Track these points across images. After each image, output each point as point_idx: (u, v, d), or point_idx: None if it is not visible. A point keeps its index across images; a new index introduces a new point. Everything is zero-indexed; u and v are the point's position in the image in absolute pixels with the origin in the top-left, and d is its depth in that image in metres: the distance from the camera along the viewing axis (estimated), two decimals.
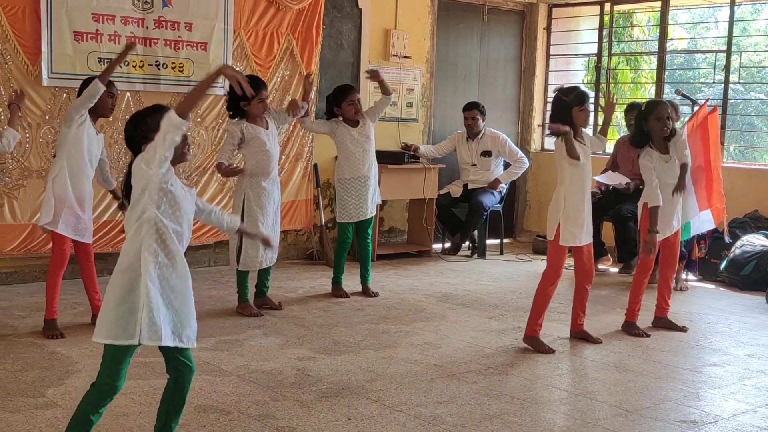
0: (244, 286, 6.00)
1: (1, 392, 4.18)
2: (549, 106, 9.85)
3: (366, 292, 6.76)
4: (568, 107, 5.22)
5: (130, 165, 3.25)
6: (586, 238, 5.37)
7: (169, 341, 3.13)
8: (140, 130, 3.20)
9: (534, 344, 5.32)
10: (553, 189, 5.42)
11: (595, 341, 5.52)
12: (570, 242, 5.28)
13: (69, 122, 5.17)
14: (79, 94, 5.28)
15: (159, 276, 3.13)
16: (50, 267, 5.34)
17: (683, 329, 5.87)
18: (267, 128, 5.90)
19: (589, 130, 5.69)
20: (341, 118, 6.48)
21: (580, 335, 5.57)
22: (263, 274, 6.15)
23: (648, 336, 5.67)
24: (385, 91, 6.50)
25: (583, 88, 5.33)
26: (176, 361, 3.28)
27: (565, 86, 5.60)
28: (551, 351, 5.29)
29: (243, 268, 5.92)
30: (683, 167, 5.63)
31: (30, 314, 5.73)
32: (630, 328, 5.77)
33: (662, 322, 5.94)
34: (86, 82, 5.24)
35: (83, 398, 3.16)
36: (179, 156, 3.24)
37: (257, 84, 5.68)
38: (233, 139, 5.77)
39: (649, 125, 5.57)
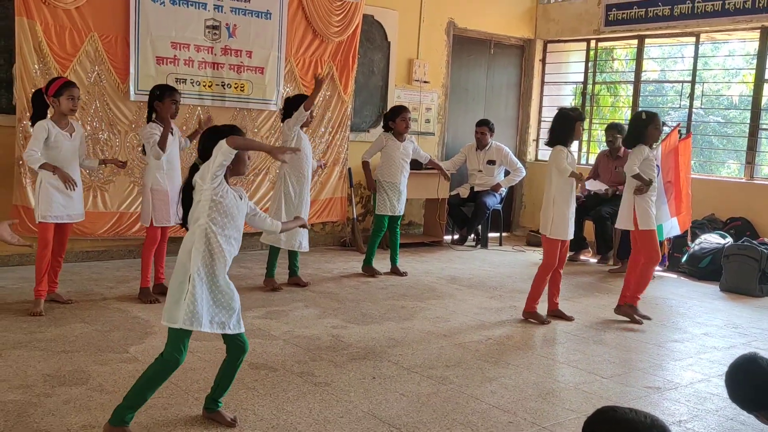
0: (271, 265, 6.00)
1: (93, 348, 4.24)
2: (543, 124, 9.85)
3: (397, 272, 6.81)
4: (572, 121, 5.22)
5: (189, 176, 3.19)
6: (571, 233, 5.36)
7: (207, 328, 3.09)
8: (211, 144, 3.11)
9: (534, 317, 5.34)
10: (544, 193, 5.39)
11: (569, 318, 5.45)
12: (563, 237, 5.31)
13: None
14: (149, 102, 5.27)
15: (206, 273, 3.08)
16: (144, 246, 5.36)
17: (641, 321, 5.54)
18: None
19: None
20: (392, 132, 6.60)
21: (555, 313, 5.49)
22: (292, 257, 6.15)
23: (650, 319, 5.51)
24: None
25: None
26: (230, 341, 3.27)
27: (566, 106, 5.56)
28: (548, 322, 5.31)
29: (265, 241, 5.95)
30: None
31: (117, 285, 5.79)
32: (632, 310, 5.52)
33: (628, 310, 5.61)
34: (153, 91, 5.29)
35: (150, 366, 3.12)
36: (236, 170, 3.17)
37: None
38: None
39: (648, 132, 5.40)
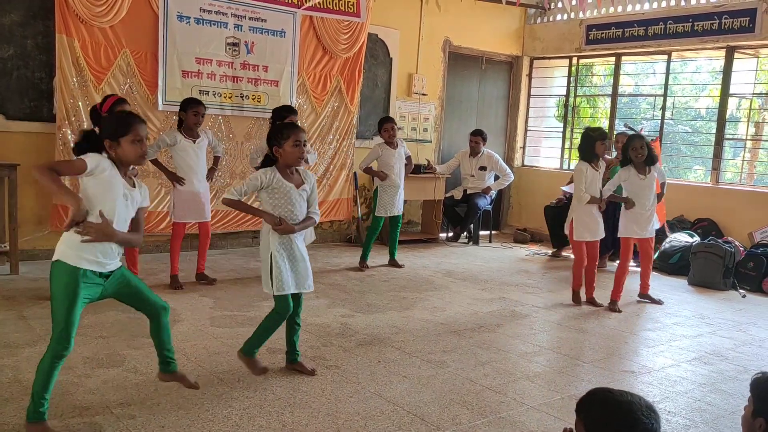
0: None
1: (127, 334, 4.27)
2: (529, 133, 9.88)
3: (395, 264, 6.88)
4: (593, 140, 5.36)
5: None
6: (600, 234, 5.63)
7: (293, 290, 3.53)
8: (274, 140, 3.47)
9: (575, 298, 5.71)
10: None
11: (600, 305, 5.62)
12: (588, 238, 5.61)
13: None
14: (181, 109, 5.52)
15: (283, 247, 3.49)
16: (172, 239, 5.59)
17: (660, 302, 5.92)
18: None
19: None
20: (383, 141, 6.65)
21: (591, 302, 5.70)
22: None
23: (621, 312, 5.58)
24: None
25: (605, 129, 5.54)
26: (296, 304, 3.67)
27: (591, 126, 5.82)
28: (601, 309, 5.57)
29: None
30: (664, 184, 5.88)
31: (146, 277, 5.78)
32: (613, 305, 5.65)
33: (646, 297, 5.95)
34: (183, 103, 5.51)
35: (267, 318, 3.58)
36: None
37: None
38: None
39: (630, 154, 5.50)
